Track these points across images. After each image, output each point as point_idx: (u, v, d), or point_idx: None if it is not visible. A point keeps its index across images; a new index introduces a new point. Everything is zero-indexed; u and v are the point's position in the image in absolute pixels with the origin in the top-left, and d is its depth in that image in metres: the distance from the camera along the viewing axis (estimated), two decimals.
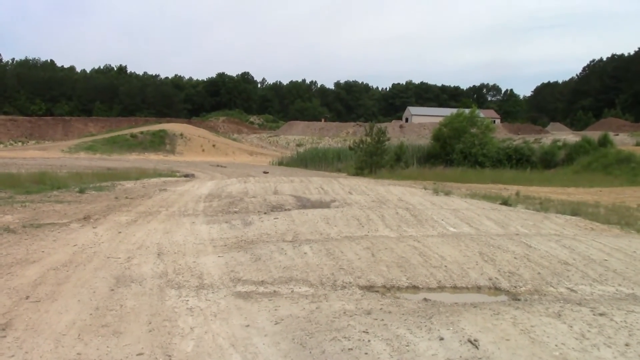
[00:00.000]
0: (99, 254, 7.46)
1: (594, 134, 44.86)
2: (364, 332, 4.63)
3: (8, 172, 22.12)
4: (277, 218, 10.61)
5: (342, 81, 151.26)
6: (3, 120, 79.04)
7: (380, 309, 5.29)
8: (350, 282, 6.27)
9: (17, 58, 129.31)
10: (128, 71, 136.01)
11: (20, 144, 67.76)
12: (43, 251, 7.55)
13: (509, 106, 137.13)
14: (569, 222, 11.16)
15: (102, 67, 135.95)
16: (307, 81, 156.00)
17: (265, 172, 25.75)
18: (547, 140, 52.13)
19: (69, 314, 5.01)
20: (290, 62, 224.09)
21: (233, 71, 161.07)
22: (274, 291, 5.93)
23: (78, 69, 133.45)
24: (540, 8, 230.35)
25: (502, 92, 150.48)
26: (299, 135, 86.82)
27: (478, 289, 6.30)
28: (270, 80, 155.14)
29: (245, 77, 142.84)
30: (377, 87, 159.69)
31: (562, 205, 14.69)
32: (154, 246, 8.13)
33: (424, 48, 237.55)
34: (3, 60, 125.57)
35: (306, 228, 9.62)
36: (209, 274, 6.56)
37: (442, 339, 4.46)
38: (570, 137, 53.58)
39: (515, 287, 6.28)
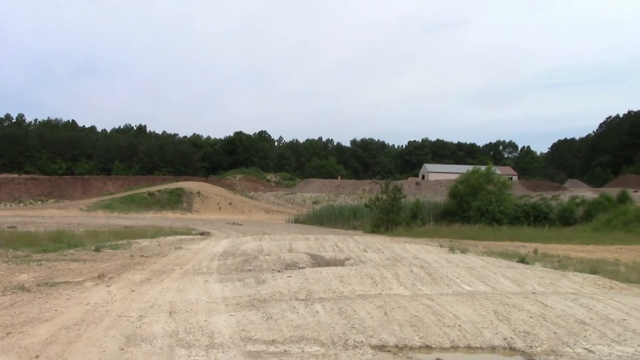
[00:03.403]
0: (111, 313, 7.45)
1: (612, 191, 44.42)
2: None
3: (26, 231, 22.42)
4: (291, 276, 10.55)
5: (358, 139, 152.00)
6: (24, 179, 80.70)
7: None
8: (361, 342, 6.18)
9: (40, 119, 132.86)
10: (147, 130, 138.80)
11: (40, 202, 68.88)
12: (56, 310, 7.56)
13: (526, 163, 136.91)
14: (587, 281, 10.97)
15: (122, 127, 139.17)
16: (324, 139, 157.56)
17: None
18: (565, 197, 51.59)
19: None
20: (307, 121, 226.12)
21: (250, 130, 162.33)
22: (285, 350, 5.86)
23: (99, 129, 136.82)
24: (555, 67, 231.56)
25: (519, 148, 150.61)
26: (315, 193, 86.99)
27: (492, 348, 6.17)
28: (287, 139, 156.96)
29: (263, 136, 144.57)
30: (394, 145, 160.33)
31: (581, 264, 14.48)
32: (166, 305, 8.10)
33: (440, 106, 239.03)
34: (26, 121, 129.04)
35: (319, 286, 9.55)
36: (219, 333, 6.50)
37: None
38: (589, 193, 53.02)
39: (531, 347, 6.14)
